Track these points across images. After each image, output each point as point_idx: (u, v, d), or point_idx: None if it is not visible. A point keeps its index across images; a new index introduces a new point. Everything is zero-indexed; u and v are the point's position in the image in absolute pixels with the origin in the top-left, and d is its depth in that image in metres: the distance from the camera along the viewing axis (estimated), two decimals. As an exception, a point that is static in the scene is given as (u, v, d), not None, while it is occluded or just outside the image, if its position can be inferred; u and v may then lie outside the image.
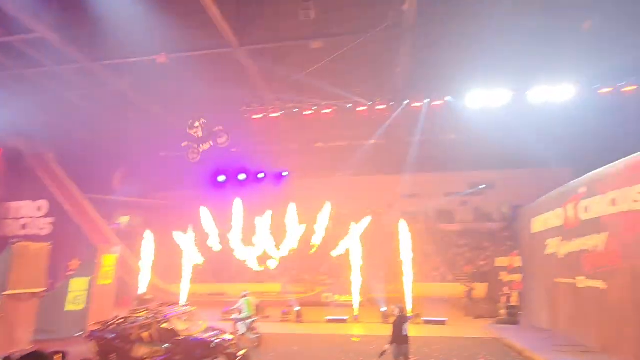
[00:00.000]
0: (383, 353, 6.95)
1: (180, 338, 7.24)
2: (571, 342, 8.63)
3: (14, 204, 17.59)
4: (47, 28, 12.13)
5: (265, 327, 10.90)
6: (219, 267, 20.36)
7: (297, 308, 14.04)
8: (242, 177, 20.16)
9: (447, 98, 14.74)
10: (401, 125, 18.27)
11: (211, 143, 10.92)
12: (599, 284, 8.18)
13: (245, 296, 10.41)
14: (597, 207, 8.47)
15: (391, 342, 6.99)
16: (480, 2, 11.58)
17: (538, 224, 11.63)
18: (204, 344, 7.21)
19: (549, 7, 11.70)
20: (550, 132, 16.75)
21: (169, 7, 11.30)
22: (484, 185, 24.02)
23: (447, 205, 25.05)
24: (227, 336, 7.81)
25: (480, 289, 17.37)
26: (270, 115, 15.33)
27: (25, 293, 9.03)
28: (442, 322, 12.99)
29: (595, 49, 12.50)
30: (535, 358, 7.82)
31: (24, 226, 17.36)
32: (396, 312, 7.30)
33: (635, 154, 7.52)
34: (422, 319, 12.95)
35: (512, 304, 13.25)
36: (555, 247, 10.25)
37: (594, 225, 8.51)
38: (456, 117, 16.00)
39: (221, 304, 14.49)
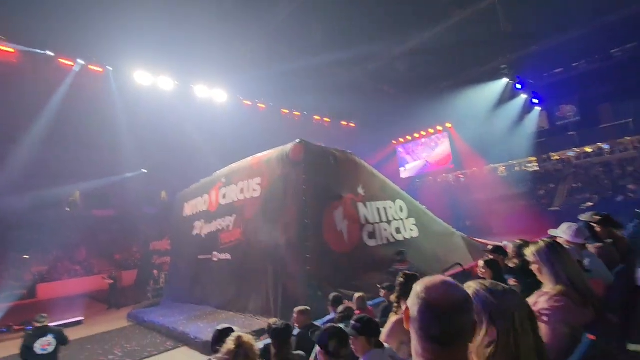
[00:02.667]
0: None
1: None
2: (203, 309, 9.98)
3: None
4: None
5: None
6: None
7: None
8: None
9: (109, 67, 13.13)
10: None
11: None
12: (227, 256, 10.02)
13: None
14: (231, 194, 10.36)
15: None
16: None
17: (189, 208, 12.71)
18: None
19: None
20: (210, 126, 18.99)
21: None
22: (145, 170, 23.47)
23: (100, 190, 22.41)
24: None
25: (129, 277, 16.79)
26: None
27: None
28: (78, 323, 11.30)
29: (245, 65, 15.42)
30: (173, 330, 8.38)
31: None
32: (35, 324, 5.50)
33: (256, 155, 9.89)
34: (53, 324, 10.60)
35: (159, 286, 13.71)
36: (200, 228, 11.58)
37: (228, 209, 10.34)
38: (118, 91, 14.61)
39: None
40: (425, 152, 28.45)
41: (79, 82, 13.69)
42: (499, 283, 1.24)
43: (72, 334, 9.96)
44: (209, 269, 10.63)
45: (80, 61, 12.94)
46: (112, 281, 14.13)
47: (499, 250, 4.04)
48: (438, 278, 0.98)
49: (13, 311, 12.56)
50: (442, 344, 0.91)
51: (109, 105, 15.67)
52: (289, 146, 8.80)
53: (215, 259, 10.49)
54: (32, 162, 16.61)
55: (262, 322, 7.14)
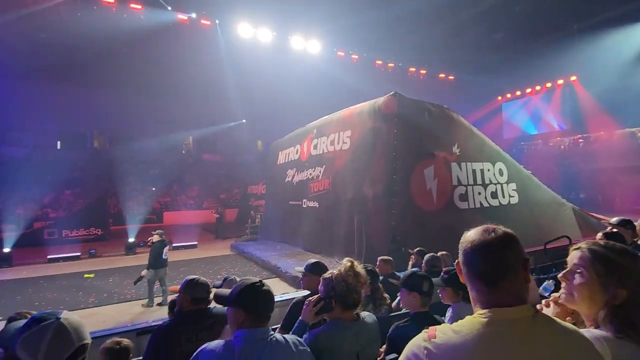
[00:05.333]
0: (139, 279, 6.85)
1: None
2: (293, 249, 11.01)
3: None
4: None
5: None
6: None
7: (7, 249, 10.83)
8: None
9: (217, 20, 14.07)
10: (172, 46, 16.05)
11: None
12: (315, 204, 10.65)
13: None
14: (322, 145, 10.71)
15: (148, 268, 6.75)
16: None
17: (282, 156, 13.61)
18: None
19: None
20: (304, 77, 19.34)
21: None
22: (244, 120, 25.47)
23: (209, 135, 25.19)
24: None
25: (231, 215, 19.12)
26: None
27: None
28: (193, 247, 13.52)
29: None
30: (267, 263, 9.55)
31: None
32: (156, 237, 7.05)
33: (347, 108, 9.88)
34: (173, 244, 12.96)
35: (255, 225, 15.42)
36: (292, 176, 12.39)
37: (318, 159, 10.78)
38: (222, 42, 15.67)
39: None
40: (537, 110, 24.86)
41: (192, 36, 15.03)
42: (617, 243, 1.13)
43: (189, 255, 12.14)
44: (299, 214, 11.46)
45: (193, 15, 14.08)
46: (218, 216, 16.38)
47: (627, 224, 3.46)
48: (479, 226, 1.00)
49: (145, 231, 15.56)
50: (488, 283, 0.92)
51: (216, 59, 16.99)
52: (381, 99, 8.57)
53: (304, 206, 11.24)
54: (156, 111, 19.35)
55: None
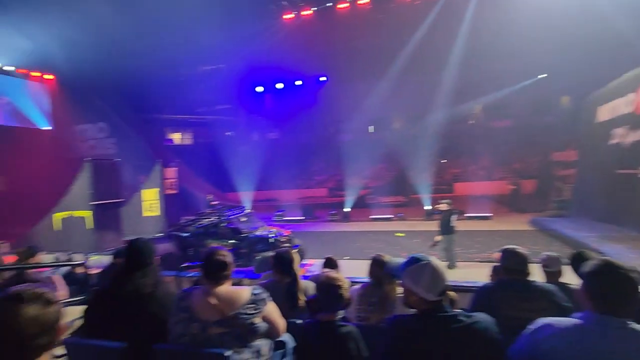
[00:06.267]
0: (435, 244, 7.51)
1: (243, 235, 8.24)
2: (623, 231, 8.51)
3: (79, 127, 19.19)
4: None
5: (314, 227, 11.90)
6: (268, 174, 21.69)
7: (347, 209, 15.01)
8: (279, 86, 19.89)
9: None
10: (448, 14, 16.04)
11: None
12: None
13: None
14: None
15: (440, 234, 7.50)
16: None
17: (604, 112, 10.59)
18: (263, 239, 8.16)
19: None
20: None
21: None
22: (544, 75, 21.55)
23: (499, 100, 23.27)
24: (282, 233, 8.73)
25: (528, 186, 17.07)
26: (302, 14, 14.21)
27: (109, 203, 10.47)
28: (486, 218, 13.28)
29: None
30: (582, 244, 7.92)
31: (92, 147, 19.15)
32: (444, 206, 7.66)
33: None
34: (466, 214, 13.27)
35: (562, 198, 13.04)
36: (622, 136, 9.44)
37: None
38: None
39: (273, 208, 15.88)
40: None
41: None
42: None
43: (482, 225, 12.08)
44: (632, 187, 8.67)
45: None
46: (514, 187, 15.12)
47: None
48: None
49: (437, 200, 16.81)
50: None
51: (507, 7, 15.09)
52: None
53: (643, 176, 8.36)
54: (445, 84, 19.86)
55: None
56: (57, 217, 10.48)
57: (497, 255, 2.55)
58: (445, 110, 21.06)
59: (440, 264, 1.54)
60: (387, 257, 2.80)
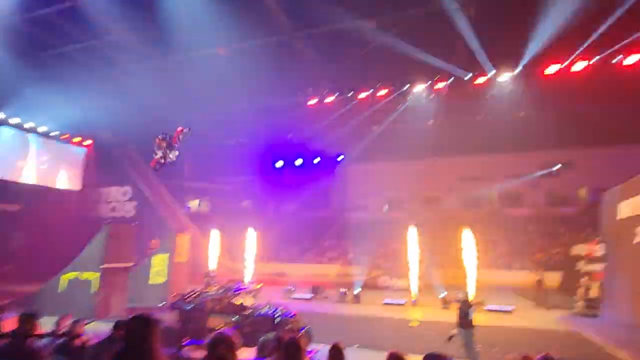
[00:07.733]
0: (451, 337, 6.88)
1: (248, 312, 7.86)
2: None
3: (104, 189, 20.05)
4: (122, 30, 13.41)
5: (322, 308, 11.29)
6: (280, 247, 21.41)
7: (358, 290, 14.32)
8: (298, 162, 20.72)
9: (518, 69, 13.59)
10: (461, 104, 17.24)
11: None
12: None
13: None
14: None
15: (458, 327, 6.94)
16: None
17: (626, 208, 10.35)
18: (269, 319, 7.73)
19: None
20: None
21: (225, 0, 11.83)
22: (559, 166, 21.86)
23: (514, 189, 23.33)
24: (289, 313, 8.27)
25: (552, 279, 16.11)
26: (325, 101, 15.43)
27: (119, 267, 10.40)
28: (508, 312, 12.34)
29: None
30: (619, 355, 7.13)
31: (113, 209, 19.74)
32: (460, 297, 7.22)
33: None
34: (485, 307, 12.39)
35: (591, 296, 12.12)
36: (646, 235, 9.09)
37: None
38: (526, 90, 14.70)
39: (282, 283, 15.31)
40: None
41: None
42: None
43: (503, 321, 11.16)
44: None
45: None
46: (540, 278, 14.26)
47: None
48: None
49: (454, 288, 15.96)
50: None
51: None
52: None
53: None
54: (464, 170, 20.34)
55: None
56: (64, 278, 10.41)
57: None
58: (460, 194, 21.20)
59: None
60: (405, 356, 2.59)
